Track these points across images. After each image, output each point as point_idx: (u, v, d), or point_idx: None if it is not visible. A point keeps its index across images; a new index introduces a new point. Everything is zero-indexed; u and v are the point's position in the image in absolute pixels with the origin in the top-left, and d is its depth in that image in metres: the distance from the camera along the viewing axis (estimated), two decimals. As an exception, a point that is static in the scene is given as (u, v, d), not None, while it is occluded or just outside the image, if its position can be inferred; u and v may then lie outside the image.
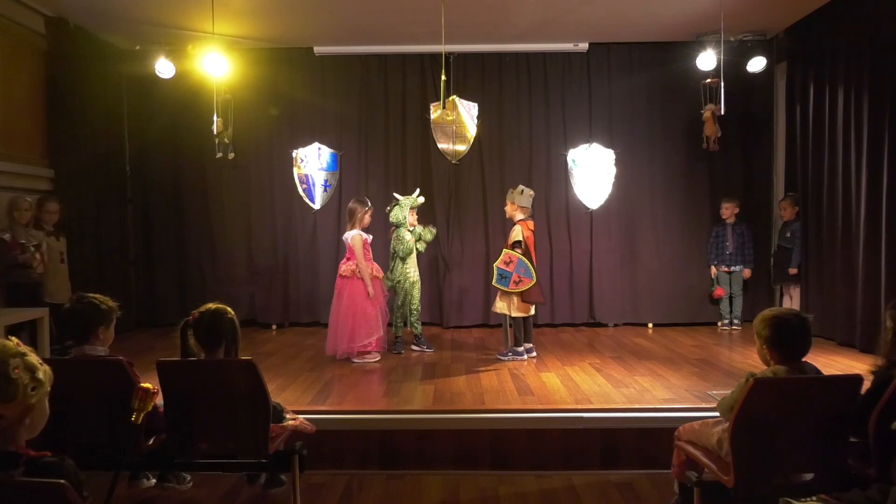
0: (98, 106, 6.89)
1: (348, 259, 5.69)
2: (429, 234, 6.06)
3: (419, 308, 6.07)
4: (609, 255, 7.51)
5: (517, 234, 5.58)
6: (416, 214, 6.01)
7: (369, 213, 5.73)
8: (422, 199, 6.02)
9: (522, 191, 5.71)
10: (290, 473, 3.10)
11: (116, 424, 2.82)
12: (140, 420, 2.04)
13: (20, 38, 6.03)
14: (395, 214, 5.89)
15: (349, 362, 5.54)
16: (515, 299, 5.52)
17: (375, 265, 5.77)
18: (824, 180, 6.41)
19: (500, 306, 5.62)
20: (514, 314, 5.57)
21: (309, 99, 7.50)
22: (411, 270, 5.94)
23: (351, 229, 5.68)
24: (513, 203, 5.69)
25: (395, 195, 6.04)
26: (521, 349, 5.66)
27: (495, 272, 5.60)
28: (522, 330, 5.67)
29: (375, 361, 5.57)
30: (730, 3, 5.87)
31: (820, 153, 6.47)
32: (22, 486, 1.57)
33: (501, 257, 5.60)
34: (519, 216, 5.66)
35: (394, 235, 5.96)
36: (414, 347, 6.05)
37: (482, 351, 6.12)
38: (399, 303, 5.98)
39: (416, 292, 5.99)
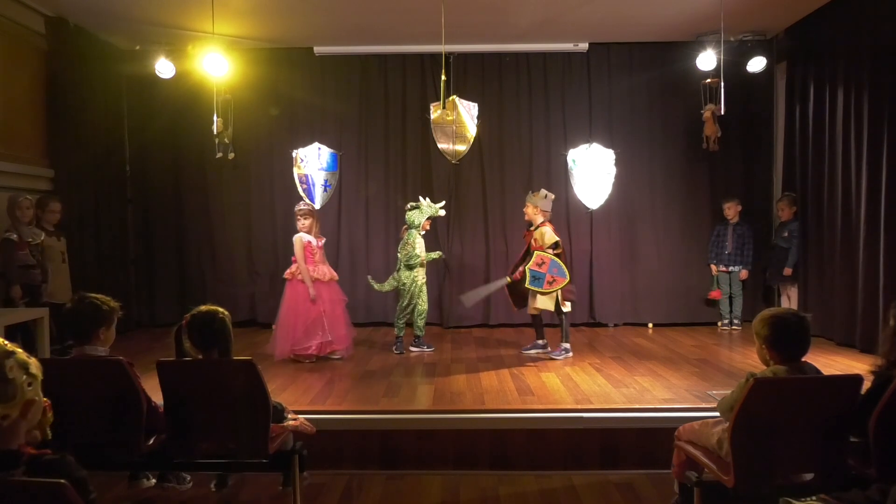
0: (98, 106, 6.89)
1: (293, 261, 5.69)
2: (435, 255, 6.07)
3: (426, 310, 6.04)
4: (609, 255, 7.51)
5: (551, 236, 5.61)
6: (430, 222, 6.03)
7: (297, 214, 5.69)
8: (443, 213, 6.04)
9: (546, 195, 5.77)
10: (290, 473, 3.10)
11: (116, 425, 2.83)
12: (50, 435, 1.89)
13: (20, 38, 6.03)
14: (413, 217, 5.87)
15: (349, 362, 5.56)
16: (558, 295, 5.55)
17: (322, 268, 5.68)
18: (824, 180, 6.41)
19: (543, 302, 5.60)
20: (565, 309, 5.63)
21: (309, 99, 7.50)
22: (420, 275, 5.93)
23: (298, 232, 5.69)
24: (535, 206, 5.73)
25: (420, 198, 6.00)
26: (541, 342, 5.85)
27: (528, 275, 5.58)
28: (541, 327, 5.86)
29: (337, 358, 5.58)
30: (730, 3, 5.87)
31: (820, 153, 6.47)
32: (22, 485, 1.57)
33: (533, 259, 5.59)
34: (540, 219, 5.71)
35: (404, 237, 5.93)
36: (413, 348, 6.04)
37: (482, 351, 6.12)
38: (404, 304, 5.95)
39: (425, 296, 5.99)
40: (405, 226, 5.99)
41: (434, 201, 6.09)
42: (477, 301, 6.55)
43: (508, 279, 5.83)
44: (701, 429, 2.92)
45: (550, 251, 5.56)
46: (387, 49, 7.38)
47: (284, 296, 5.66)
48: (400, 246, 5.98)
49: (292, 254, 7.49)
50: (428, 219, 5.93)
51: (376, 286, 6.12)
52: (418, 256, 5.84)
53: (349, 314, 7.46)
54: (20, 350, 1.76)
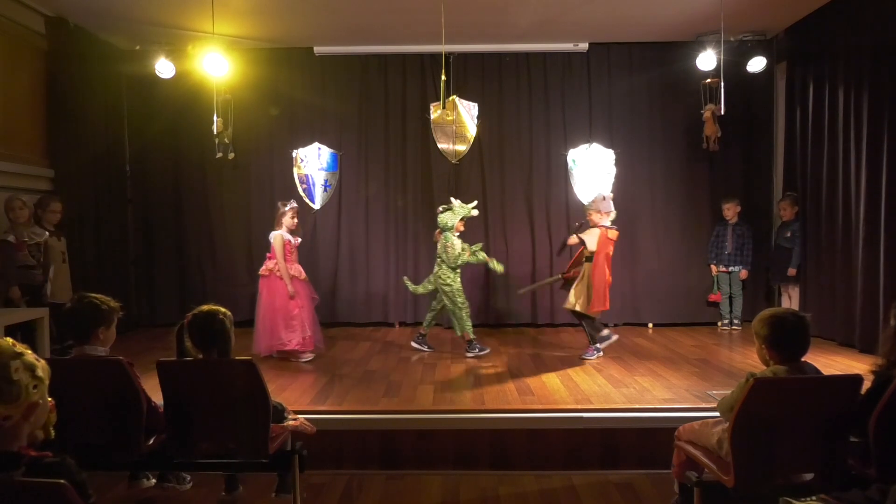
0: (98, 106, 6.89)
1: (269, 258, 5.67)
2: (480, 255, 5.88)
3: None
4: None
5: (592, 243, 5.59)
6: (463, 223, 5.89)
7: (290, 213, 5.65)
8: (475, 213, 5.91)
9: (603, 197, 5.81)
10: (290, 474, 3.10)
11: (116, 425, 2.83)
12: (53, 435, 1.93)
13: (20, 38, 6.03)
14: (445, 219, 5.75)
15: (348, 363, 5.56)
16: (583, 299, 5.60)
17: (297, 266, 5.70)
18: (824, 180, 6.41)
19: (570, 301, 5.70)
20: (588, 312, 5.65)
21: (309, 99, 7.50)
22: (458, 276, 5.83)
23: (276, 229, 5.65)
24: (596, 211, 5.72)
25: (452, 199, 5.89)
26: (606, 332, 5.85)
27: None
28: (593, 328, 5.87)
29: (306, 361, 5.53)
30: (730, 3, 5.87)
31: (820, 153, 6.47)
32: (22, 486, 1.57)
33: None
34: (606, 221, 5.68)
35: (441, 239, 5.82)
36: (413, 344, 6.02)
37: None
38: (460, 304, 5.76)
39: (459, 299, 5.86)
40: (438, 229, 5.89)
41: (435, 202, 6.07)
42: (529, 292, 6.69)
43: (560, 276, 5.99)
44: (701, 429, 2.92)
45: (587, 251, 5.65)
46: (387, 49, 7.38)
47: (261, 293, 5.64)
48: (439, 249, 5.79)
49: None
50: (461, 220, 5.79)
51: (411, 287, 6.05)
52: (463, 254, 5.71)
53: (351, 314, 7.56)
54: (30, 352, 1.74)
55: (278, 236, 5.61)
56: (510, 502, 3.50)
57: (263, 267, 5.66)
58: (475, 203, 5.91)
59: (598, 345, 5.70)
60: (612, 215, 5.76)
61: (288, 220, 5.65)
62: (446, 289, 5.77)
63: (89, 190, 6.67)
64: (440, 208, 5.90)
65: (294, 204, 5.75)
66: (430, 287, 5.93)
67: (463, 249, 5.77)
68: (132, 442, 2.85)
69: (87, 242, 6.57)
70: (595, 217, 5.74)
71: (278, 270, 5.56)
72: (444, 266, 5.78)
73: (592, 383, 4.78)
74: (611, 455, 3.98)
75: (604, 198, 5.79)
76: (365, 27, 6.70)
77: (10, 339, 1.73)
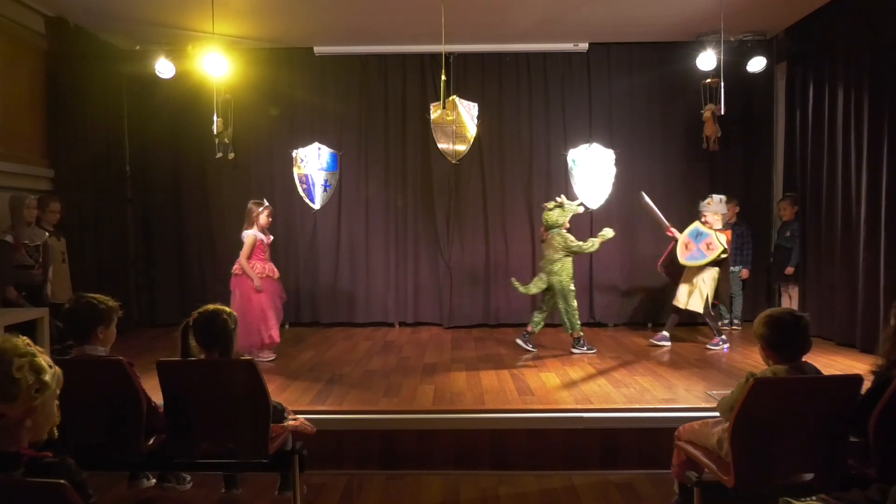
0: (98, 106, 6.89)
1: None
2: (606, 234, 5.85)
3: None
4: (609, 255, 7.50)
5: (719, 243, 5.90)
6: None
7: (266, 212, 5.66)
8: (582, 210, 5.95)
9: (720, 199, 6.10)
10: (290, 473, 3.10)
11: (117, 425, 2.82)
12: (56, 435, 1.93)
13: (20, 38, 6.03)
14: (555, 216, 5.70)
15: (349, 363, 5.55)
16: (708, 298, 5.92)
17: (270, 265, 5.70)
18: (824, 180, 6.42)
19: (695, 303, 5.96)
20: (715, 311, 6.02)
21: (309, 99, 7.50)
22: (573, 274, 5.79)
23: (248, 228, 5.63)
24: (713, 213, 6.03)
25: (564, 198, 5.83)
26: (666, 334, 6.21)
27: (689, 254, 5.98)
28: (674, 324, 6.29)
29: (270, 360, 5.53)
30: (730, 3, 5.88)
31: (820, 153, 6.48)
32: (22, 486, 1.57)
33: (705, 239, 5.94)
34: (718, 224, 6.01)
35: (549, 237, 5.74)
36: (519, 342, 5.93)
37: (482, 351, 6.12)
38: (572, 303, 5.73)
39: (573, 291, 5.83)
40: (543, 227, 5.87)
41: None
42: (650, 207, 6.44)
43: (675, 235, 6.15)
44: (701, 429, 2.92)
45: (721, 253, 5.88)
46: (387, 49, 7.38)
47: (234, 292, 5.57)
48: (557, 246, 5.69)
49: (290, 254, 7.55)
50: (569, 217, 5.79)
51: (521, 289, 5.87)
52: (595, 240, 5.72)
53: (351, 314, 7.55)
54: (43, 356, 1.69)
55: (251, 235, 5.60)
56: (510, 502, 3.50)
57: (236, 265, 5.63)
58: (580, 200, 5.94)
59: (722, 336, 6.06)
60: (725, 217, 6.18)
61: (263, 219, 5.65)
62: (562, 286, 5.69)
63: (89, 190, 6.67)
64: (548, 205, 5.81)
65: (266, 203, 5.73)
66: (543, 285, 5.79)
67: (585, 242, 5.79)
68: (132, 442, 2.85)
69: (87, 242, 6.57)
70: (711, 219, 6.01)
71: (241, 269, 5.54)
72: (559, 263, 5.69)
73: (592, 383, 4.78)
74: (611, 455, 3.98)
75: (720, 199, 6.09)
76: (365, 27, 6.70)
77: (25, 339, 1.68)
